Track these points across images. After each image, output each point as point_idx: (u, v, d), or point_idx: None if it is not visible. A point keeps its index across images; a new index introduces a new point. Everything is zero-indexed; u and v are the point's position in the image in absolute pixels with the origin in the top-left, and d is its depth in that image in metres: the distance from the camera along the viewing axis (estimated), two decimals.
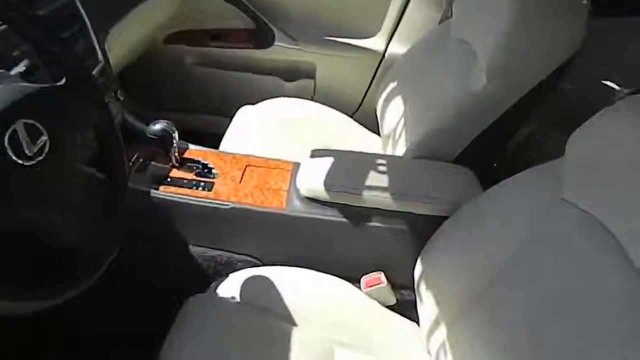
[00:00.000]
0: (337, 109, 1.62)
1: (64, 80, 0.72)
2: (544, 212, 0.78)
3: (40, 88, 0.67)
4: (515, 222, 0.83)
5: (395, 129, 1.42)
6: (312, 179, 1.04)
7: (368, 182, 1.01)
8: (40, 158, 0.62)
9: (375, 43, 1.69)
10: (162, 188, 1.04)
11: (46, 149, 0.64)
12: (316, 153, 1.12)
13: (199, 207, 1.02)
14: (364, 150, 1.50)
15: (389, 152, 1.43)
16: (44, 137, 0.63)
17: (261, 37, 1.70)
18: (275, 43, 1.69)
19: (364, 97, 1.77)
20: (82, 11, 1.03)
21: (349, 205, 1.02)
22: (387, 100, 1.50)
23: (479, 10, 1.23)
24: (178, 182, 1.05)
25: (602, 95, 1.61)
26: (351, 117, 1.64)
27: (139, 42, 1.43)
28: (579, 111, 1.55)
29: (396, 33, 1.66)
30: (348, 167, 1.07)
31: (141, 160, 1.09)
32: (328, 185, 1.01)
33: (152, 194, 1.02)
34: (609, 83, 1.65)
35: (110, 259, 0.71)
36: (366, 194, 1.00)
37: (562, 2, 1.10)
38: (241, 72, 1.74)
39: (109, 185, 0.79)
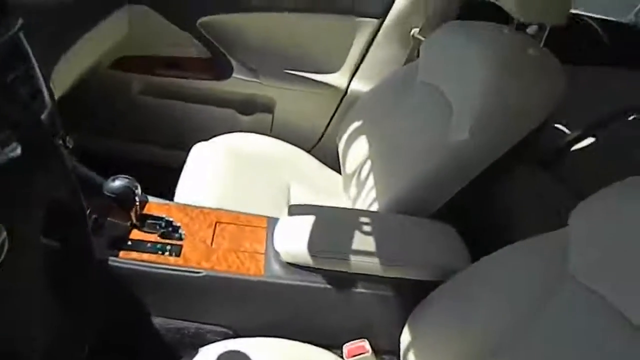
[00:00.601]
0: (295, 144, 1.56)
1: (19, 150, 0.59)
2: (548, 286, 0.76)
3: None
4: (515, 294, 0.80)
5: (360, 172, 1.37)
6: (293, 242, 0.95)
7: (354, 247, 0.95)
8: None
9: (338, 79, 1.64)
10: (122, 254, 0.91)
11: (5, 248, 0.51)
12: (294, 210, 1.04)
13: (166, 275, 0.90)
14: (324, 189, 1.45)
15: (352, 193, 1.38)
16: (3, 234, 0.51)
17: (218, 68, 1.59)
18: (233, 75, 1.59)
19: (323, 133, 1.71)
20: (28, 47, 0.88)
21: (334, 270, 0.95)
22: (351, 139, 1.46)
23: (452, 59, 1.21)
24: (141, 246, 0.92)
25: (560, 138, 1.67)
26: (309, 152, 1.58)
27: (84, 73, 1.28)
28: (546, 155, 1.59)
29: (359, 70, 1.62)
30: (330, 228, 1.00)
31: (95, 217, 0.95)
32: (312, 250, 0.93)
33: (110, 262, 0.89)
34: (559, 126, 1.72)
35: None
36: (353, 259, 0.93)
37: (539, 56, 1.11)
38: (194, 104, 1.62)
39: (71, 266, 0.67)
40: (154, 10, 1.48)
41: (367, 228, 0.99)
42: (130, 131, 1.66)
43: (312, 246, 0.93)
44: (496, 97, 1.05)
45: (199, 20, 1.52)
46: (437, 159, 1.09)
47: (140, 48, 1.56)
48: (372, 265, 0.94)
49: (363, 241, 0.97)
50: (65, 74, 1.12)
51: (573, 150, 1.68)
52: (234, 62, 1.58)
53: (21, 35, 0.87)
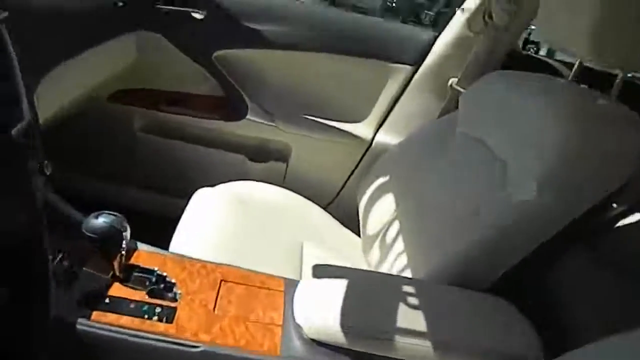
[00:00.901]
0: (309, 198, 1.38)
1: None
2: None
3: None
4: None
5: (385, 234, 1.18)
6: (319, 312, 0.74)
7: (398, 324, 0.73)
8: None
9: (362, 129, 1.49)
10: (95, 315, 0.69)
11: None
12: (318, 271, 0.83)
13: (151, 347, 0.68)
14: (341, 250, 1.26)
15: (374, 258, 1.19)
16: None
17: (231, 108, 1.44)
18: (247, 117, 1.43)
19: (342, 188, 1.53)
20: (11, 47, 0.71)
21: (371, 354, 0.73)
22: (375, 196, 1.28)
23: (501, 110, 1.05)
24: (122, 306, 0.71)
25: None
26: (325, 208, 1.40)
27: (76, 98, 1.11)
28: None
29: (387, 121, 1.47)
30: (367, 297, 0.79)
31: (66, 264, 0.74)
32: (345, 325, 0.71)
33: (78, 325, 0.67)
34: None
35: None
36: (398, 340, 0.72)
37: (612, 108, 0.96)
38: (201, 146, 1.45)
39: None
40: (166, 39, 1.34)
41: (412, 300, 0.78)
42: (126, 172, 1.48)
43: (344, 320, 0.72)
44: (564, 153, 0.88)
45: (215, 54, 1.39)
46: (495, 221, 0.91)
47: (146, 80, 1.42)
48: (421, 349, 0.72)
49: (409, 317, 0.75)
50: (53, 95, 0.95)
51: (618, 227, 1.50)
52: (249, 103, 1.43)
53: (3, 28, 0.70)
